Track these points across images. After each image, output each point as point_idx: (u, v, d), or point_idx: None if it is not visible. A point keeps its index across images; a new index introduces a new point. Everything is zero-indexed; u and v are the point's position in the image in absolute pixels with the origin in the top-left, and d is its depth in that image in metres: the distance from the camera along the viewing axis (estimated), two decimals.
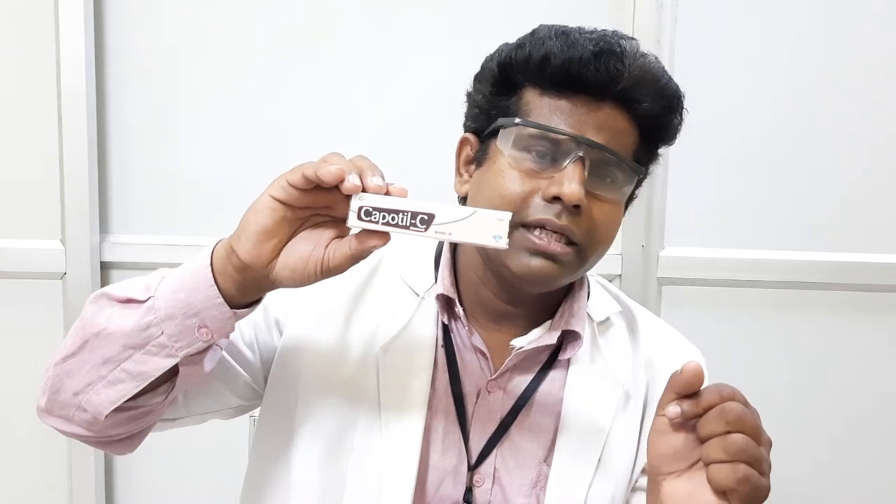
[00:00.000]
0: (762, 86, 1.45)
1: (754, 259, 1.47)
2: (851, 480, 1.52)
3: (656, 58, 0.81)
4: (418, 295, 0.85)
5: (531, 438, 0.83)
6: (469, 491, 0.82)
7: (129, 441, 0.79)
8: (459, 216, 0.63)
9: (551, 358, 0.85)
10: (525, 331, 0.84)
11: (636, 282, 1.46)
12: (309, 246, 0.67)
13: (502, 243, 0.64)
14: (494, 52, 0.84)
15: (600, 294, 0.92)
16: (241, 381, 0.85)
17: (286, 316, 0.85)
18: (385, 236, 0.65)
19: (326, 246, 0.67)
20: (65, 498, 1.53)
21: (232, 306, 0.69)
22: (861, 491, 1.53)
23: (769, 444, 0.65)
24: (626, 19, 1.42)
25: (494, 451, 0.83)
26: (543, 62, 0.77)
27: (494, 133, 0.80)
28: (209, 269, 0.69)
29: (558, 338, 0.83)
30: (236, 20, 1.46)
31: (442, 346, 0.84)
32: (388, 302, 0.85)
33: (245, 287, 0.69)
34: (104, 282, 1.50)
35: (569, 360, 0.85)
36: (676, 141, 0.85)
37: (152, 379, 0.70)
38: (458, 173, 0.87)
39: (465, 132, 0.86)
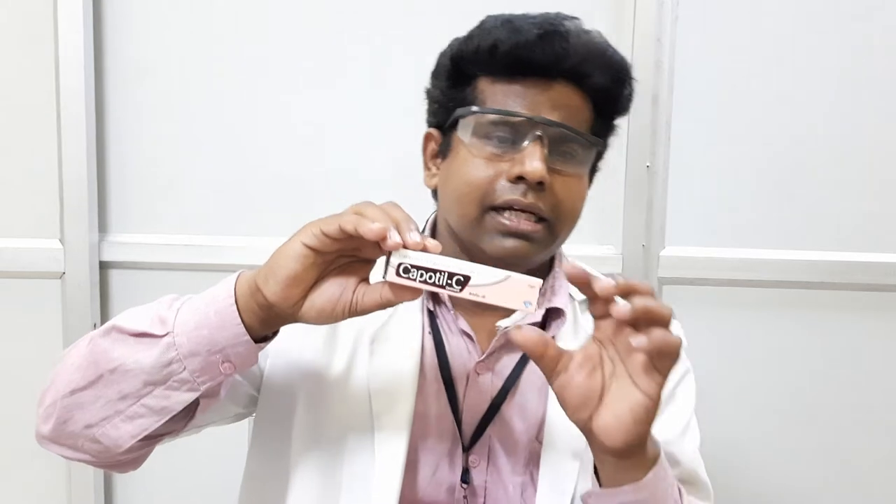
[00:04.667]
0: (762, 85, 1.45)
1: (755, 259, 1.47)
2: (852, 479, 1.52)
3: (599, 33, 0.83)
4: None
5: (522, 417, 0.84)
6: (466, 472, 0.83)
7: (136, 461, 0.79)
8: (493, 279, 0.66)
9: None
10: (509, 312, 0.85)
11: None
12: (337, 289, 0.68)
13: (531, 308, 0.67)
14: (447, 48, 0.87)
15: None
16: (242, 390, 0.85)
17: None
18: (418, 291, 0.66)
19: (354, 290, 0.68)
20: (64, 498, 1.52)
21: (254, 340, 0.70)
22: (861, 490, 1.52)
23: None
24: (626, 18, 1.42)
25: (487, 432, 0.84)
26: (492, 50, 0.80)
27: (455, 125, 0.83)
28: (234, 306, 0.69)
29: (542, 316, 0.86)
30: (235, 19, 1.46)
31: (429, 333, 0.86)
32: None
33: (268, 322, 0.70)
34: (103, 281, 1.50)
35: (553, 337, 0.86)
36: (630, 110, 0.88)
37: (174, 413, 0.71)
38: (427, 167, 0.90)
39: (429, 128, 0.89)
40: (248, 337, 0.69)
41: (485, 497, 0.83)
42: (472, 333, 0.85)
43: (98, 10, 1.45)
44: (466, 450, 0.84)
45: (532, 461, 0.84)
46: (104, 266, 1.50)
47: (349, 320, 0.83)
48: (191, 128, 1.48)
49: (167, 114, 1.48)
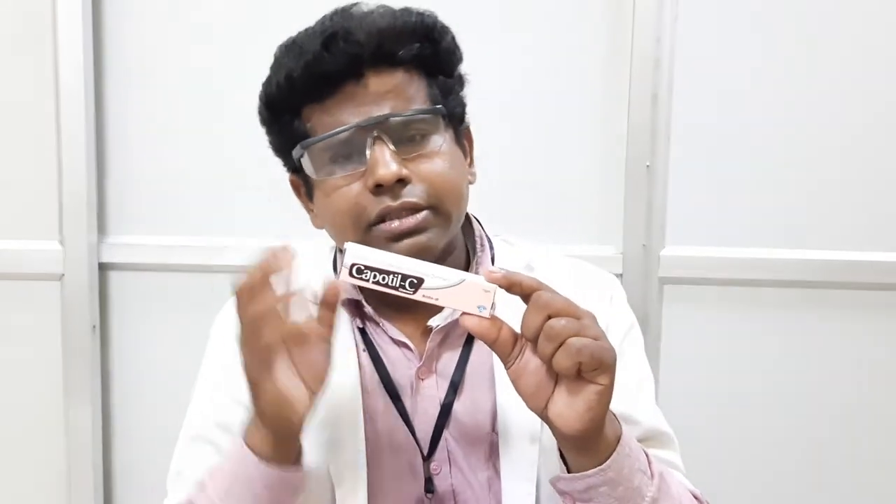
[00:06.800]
0: (762, 83, 1.45)
1: (756, 258, 1.46)
2: (851, 479, 1.52)
3: (384, 5, 0.81)
4: None
5: (475, 412, 0.83)
6: (429, 481, 0.82)
7: None
8: (447, 283, 0.66)
9: None
10: (439, 309, 0.81)
11: (637, 281, 1.45)
12: (316, 356, 0.68)
13: (485, 313, 0.66)
14: (259, 94, 0.85)
15: (506, 252, 0.91)
16: None
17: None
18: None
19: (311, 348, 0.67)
20: (64, 499, 1.52)
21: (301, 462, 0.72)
22: (860, 490, 1.52)
23: (590, 316, 0.65)
24: (626, 17, 1.42)
25: (444, 435, 0.82)
26: (289, 83, 0.78)
27: (301, 165, 0.81)
28: (275, 468, 0.69)
29: None
30: (235, 19, 1.46)
31: (364, 350, 0.84)
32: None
33: (298, 439, 0.71)
34: (102, 283, 1.50)
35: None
36: (464, 56, 0.84)
37: None
38: (308, 210, 0.88)
39: (289, 173, 0.88)
40: (302, 471, 0.71)
41: (454, 500, 0.82)
42: (405, 340, 0.83)
43: (98, 11, 1.45)
44: (427, 458, 0.82)
45: (493, 453, 0.82)
46: (103, 268, 1.49)
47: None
48: (190, 129, 1.48)
49: (167, 115, 1.48)
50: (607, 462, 0.68)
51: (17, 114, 1.47)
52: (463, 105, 0.86)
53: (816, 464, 1.51)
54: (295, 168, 0.85)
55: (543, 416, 0.67)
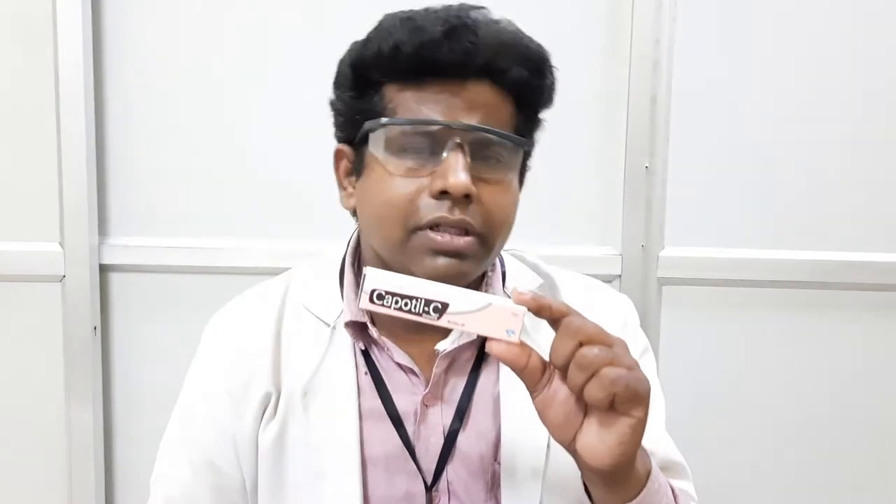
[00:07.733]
0: (761, 85, 1.45)
1: (754, 259, 1.47)
2: (851, 479, 1.52)
3: (510, 21, 0.77)
4: (329, 325, 0.82)
5: (479, 442, 0.80)
6: None
7: None
8: (473, 307, 0.62)
9: (480, 353, 0.82)
10: (447, 332, 0.79)
11: (636, 282, 1.46)
12: None
13: (514, 338, 0.62)
14: (346, 53, 0.79)
15: (517, 270, 0.88)
16: None
17: (232, 420, 0.82)
18: None
19: None
20: (65, 498, 1.52)
21: None
22: (860, 490, 1.53)
23: (622, 344, 0.63)
24: (624, 18, 1.42)
25: (447, 465, 0.79)
26: (394, 54, 0.72)
27: (365, 139, 0.76)
28: None
29: None
30: (236, 20, 1.46)
31: (366, 373, 0.80)
32: (301, 339, 0.82)
33: None
34: (103, 284, 1.50)
35: None
36: (554, 103, 0.81)
37: None
38: (342, 187, 0.82)
39: (338, 143, 0.82)
40: None
41: None
42: (411, 366, 0.80)
43: (97, 12, 1.45)
44: (429, 488, 0.79)
45: (495, 484, 0.79)
46: (104, 269, 1.49)
47: (285, 375, 0.81)
48: (191, 130, 1.48)
49: (167, 116, 1.47)
50: (637, 498, 0.65)
51: (17, 114, 1.46)
52: (534, 147, 0.82)
53: (816, 464, 1.52)
54: (349, 139, 0.79)
55: (571, 448, 0.64)
